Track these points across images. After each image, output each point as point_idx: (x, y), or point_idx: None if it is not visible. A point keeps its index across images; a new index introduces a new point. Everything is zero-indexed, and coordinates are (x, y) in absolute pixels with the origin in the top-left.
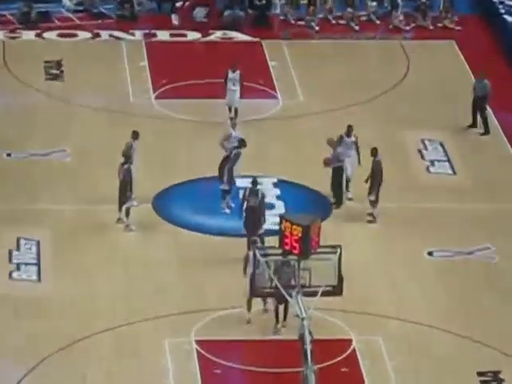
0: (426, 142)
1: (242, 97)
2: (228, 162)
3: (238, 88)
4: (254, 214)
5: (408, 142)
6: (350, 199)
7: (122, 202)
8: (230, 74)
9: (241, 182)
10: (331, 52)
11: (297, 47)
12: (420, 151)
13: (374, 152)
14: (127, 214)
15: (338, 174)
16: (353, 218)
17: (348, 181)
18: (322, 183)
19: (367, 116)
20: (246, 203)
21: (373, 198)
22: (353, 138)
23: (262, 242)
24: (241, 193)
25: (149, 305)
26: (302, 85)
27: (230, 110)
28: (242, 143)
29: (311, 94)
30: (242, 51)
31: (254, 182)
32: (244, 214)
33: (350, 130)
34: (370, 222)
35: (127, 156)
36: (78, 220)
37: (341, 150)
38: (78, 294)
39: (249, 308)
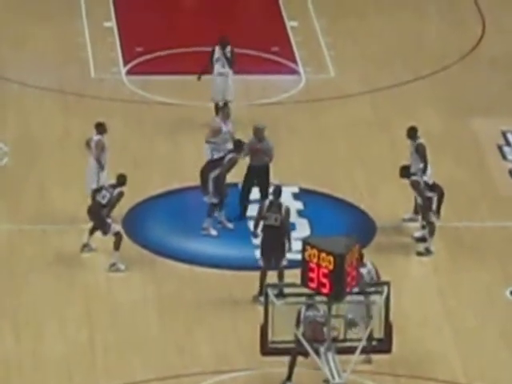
0: (509, 136)
1: (232, 73)
2: (216, 168)
3: (229, 72)
4: (275, 238)
5: (483, 134)
6: (404, 220)
7: (96, 228)
8: (218, 52)
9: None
10: (374, 7)
11: (326, 0)
12: (500, 148)
13: (412, 132)
14: (117, 246)
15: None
16: (404, 244)
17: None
18: (361, 193)
19: (425, 98)
20: (262, 222)
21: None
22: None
23: (281, 277)
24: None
25: (118, 366)
26: (333, 54)
27: (217, 107)
28: (238, 146)
29: (346, 68)
30: (248, 7)
31: (277, 193)
32: (261, 238)
33: (413, 134)
34: (420, 254)
35: (120, 174)
36: (19, 244)
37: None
38: (18, 350)
39: (290, 373)
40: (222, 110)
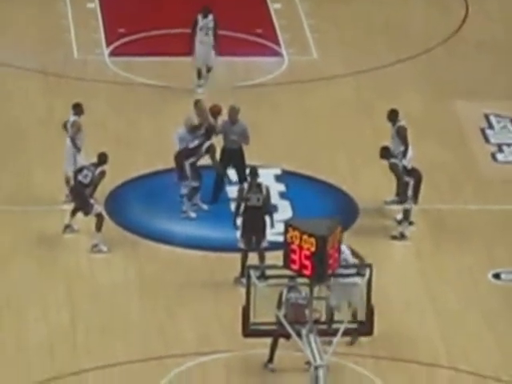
0: (492, 118)
1: (217, 53)
2: (192, 156)
3: (211, 40)
4: (257, 218)
5: (466, 117)
6: (387, 202)
7: (78, 209)
8: (201, 21)
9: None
10: None
11: None
12: (483, 131)
13: (393, 115)
14: (98, 227)
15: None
16: (387, 226)
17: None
18: (344, 175)
19: (408, 80)
20: (243, 203)
21: (401, 198)
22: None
23: (262, 259)
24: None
25: (99, 347)
26: (316, 36)
27: (199, 73)
28: (210, 131)
29: (329, 49)
30: None
31: (254, 173)
32: (242, 219)
33: (393, 116)
34: (394, 238)
35: (101, 153)
36: (1, 228)
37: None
38: (0, 332)
39: (271, 355)
40: (195, 105)
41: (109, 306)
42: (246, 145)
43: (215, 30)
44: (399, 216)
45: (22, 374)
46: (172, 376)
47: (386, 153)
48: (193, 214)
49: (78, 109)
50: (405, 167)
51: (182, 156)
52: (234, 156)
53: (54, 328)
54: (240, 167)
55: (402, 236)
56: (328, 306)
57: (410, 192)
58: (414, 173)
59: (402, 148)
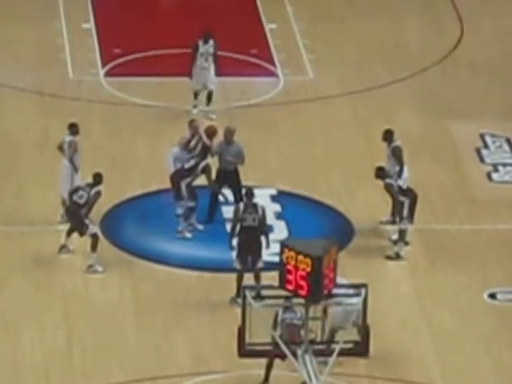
0: (487, 138)
1: (217, 74)
2: (188, 176)
3: (211, 65)
4: (252, 238)
5: (461, 137)
6: (382, 222)
7: (73, 229)
8: (202, 47)
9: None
10: (352, 9)
11: (305, 2)
12: (478, 151)
13: (388, 135)
14: (94, 247)
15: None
16: (382, 246)
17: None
18: (339, 195)
19: (403, 100)
20: (239, 224)
21: (398, 218)
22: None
23: (258, 279)
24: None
25: (95, 368)
26: (311, 56)
27: (196, 94)
28: (205, 152)
29: (325, 70)
30: (227, 7)
31: (250, 194)
32: (237, 239)
33: (388, 137)
34: (389, 258)
35: (96, 173)
36: None
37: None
38: None
39: (267, 376)
40: (189, 124)
41: (105, 326)
42: (241, 165)
43: (215, 56)
44: (395, 236)
45: None
46: None
47: (381, 173)
48: (188, 234)
49: (73, 129)
50: (400, 187)
51: (177, 176)
52: (229, 177)
53: (49, 349)
54: (236, 188)
55: (398, 256)
56: (332, 326)
57: (405, 212)
58: (410, 193)
59: (397, 168)
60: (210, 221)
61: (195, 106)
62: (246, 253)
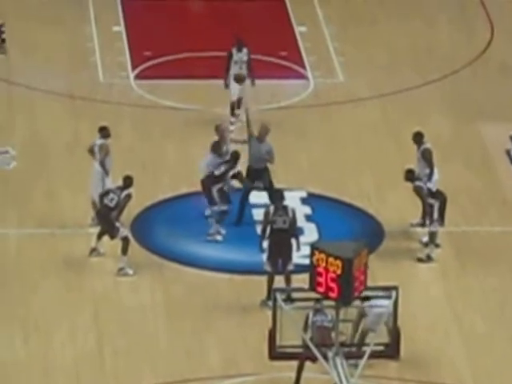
0: None
1: (253, 84)
2: (219, 182)
3: (246, 73)
4: (283, 241)
5: (492, 139)
6: (412, 225)
7: (104, 232)
8: (236, 55)
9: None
10: (384, 14)
11: (335, 5)
12: (508, 153)
13: (418, 138)
14: (124, 250)
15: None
16: (413, 249)
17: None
18: (370, 198)
19: (433, 102)
20: (269, 226)
21: (427, 221)
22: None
23: (289, 281)
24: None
25: (126, 371)
26: (341, 59)
27: (233, 109)
28: (236, 158)
29: (355, 72)
30: (257, 10)
31: (280, 196)
32: (268, 242)
33: (418, 139)
34: (420, 260)
35: (126, 176)
36: (27, 250)
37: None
38: (28, 355)
39: (298, 378)
40: (216, 128)
41: (135, 328)
42: (271, 164)
43: (250, 64)
44: (425, 238)
45: None
46: None
47: (410, 175)
48: (219, 237)
49: (104, 132)
50: (430, 190)
51: (208, 182)
52: (259, 174)
53: (80, 351)
54: (268, 186)
55: (429, 258)
56: (364, 328)
57: (435, 215)
58: (439, 195)
59: (427, 171)
60: (238, 223)
61: (232, 123)
62: (277, 255)
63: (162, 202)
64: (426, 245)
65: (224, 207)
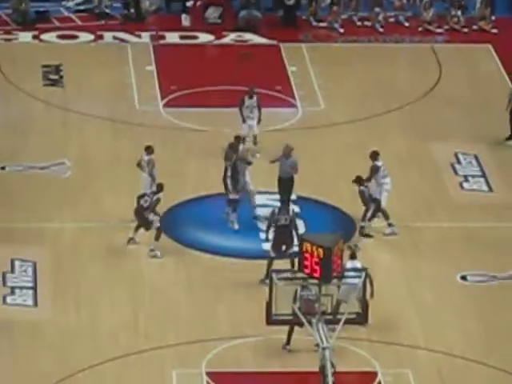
0: (460, 156)
1: (258, 123)
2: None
3: (256, 115)
4: (285, 234)
5: (440, 155)
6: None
7: (140, 226)
8: (247, 101)
9: (260, 199)
10: (356, 56)
11: (319, 50)
12: (453, 165)
13: (374, 155)
14: (157, 237)
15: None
16: (378, 239)
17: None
18: (345, 200)
19: (395, 126)
20: (274, 224)
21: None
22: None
23: (293, 263)
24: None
25: (155, 333)
26: (323, 92)
27: (244, 139)
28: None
29: (334, 102)
30: (258, 55)
31: (284, 200)
32: (273, 234)
33: (374, 156)
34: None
35: (158, 183)
36: (79, 239)
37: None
38: (79, 321)
39: (288, 339)
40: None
41: (163, 301)
42: (295, 174)
43: (259, 108)
44: (387, 230)
45: (96, 353)
46: (211, 355)
47: (357, 180)
48: (236, 226)
49: (149, 150)
50: (370, 195)
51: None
52: (286, 183)
53: (119, 319)
54: (289, 191)
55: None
56: (337, 300)
57: (369, 214)
58: (376, 201)
59: (373, 181)
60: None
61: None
62: (280, 244)
63: (185, 203)
64: (387, 235)
65: (233, 196)
